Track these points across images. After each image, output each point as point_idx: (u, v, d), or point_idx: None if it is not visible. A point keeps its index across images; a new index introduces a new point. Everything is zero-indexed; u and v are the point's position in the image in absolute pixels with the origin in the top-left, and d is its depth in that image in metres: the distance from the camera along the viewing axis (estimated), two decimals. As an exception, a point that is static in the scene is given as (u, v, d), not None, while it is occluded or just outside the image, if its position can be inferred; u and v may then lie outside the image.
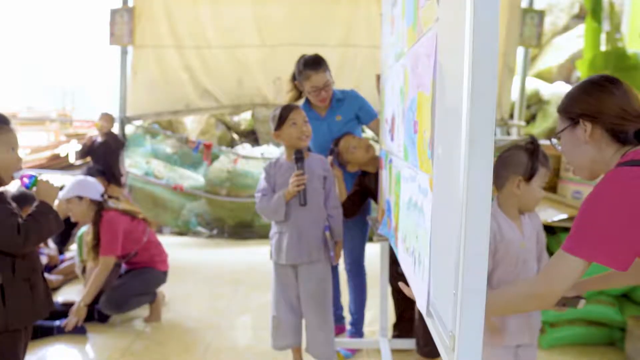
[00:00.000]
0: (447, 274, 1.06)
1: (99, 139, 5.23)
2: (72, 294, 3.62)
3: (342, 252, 2.48)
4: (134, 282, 3.12)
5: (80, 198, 3.02)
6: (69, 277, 3.91)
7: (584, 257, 1.11)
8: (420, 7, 1.41)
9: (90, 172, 4.42)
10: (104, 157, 5.07)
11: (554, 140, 1.31)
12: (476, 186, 0.92)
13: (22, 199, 3.07)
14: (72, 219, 3.09)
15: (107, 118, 5.20)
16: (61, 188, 2.64)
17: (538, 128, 7.21)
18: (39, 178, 1.86)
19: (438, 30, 1.18)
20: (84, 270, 3.74)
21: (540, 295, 1.15)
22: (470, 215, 0.92)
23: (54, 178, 6.00)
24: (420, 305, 1.33)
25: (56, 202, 1.89)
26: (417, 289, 1.40)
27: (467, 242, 0.93)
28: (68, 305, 3.14)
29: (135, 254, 3.17)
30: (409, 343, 2.65)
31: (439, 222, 1.18)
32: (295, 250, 2.29)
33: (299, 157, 2.23)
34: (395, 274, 2.60)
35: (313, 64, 2.58)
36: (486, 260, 0.94)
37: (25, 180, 1.83)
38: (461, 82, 0.94)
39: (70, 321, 2.87)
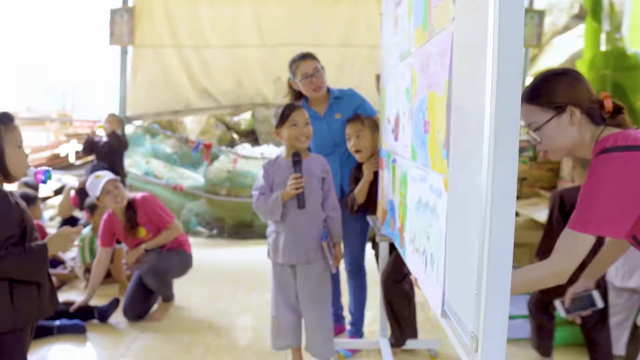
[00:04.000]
0: (465, 275, 1.05)
1: (104, 139, 5.24)
2: (72, 294, 3.62)
3: (342, 253, 2.47)
4: (172, 258, 3.24)
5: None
6: (65, 281, 3.89)
7: (593, 232, 1.28)
8: (432, 7, 1.39)
9: (95, 170, 4.43)
10: (108, 156, 5.08)
11: (531, 132, 1.43)
12: (502, 186, 0.90)
13: (24, 199, 3.07)
14: (116, 203, 3.13)
15: (112, 119, 5.21)
16: (61, 189, 2.65)
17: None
18: (60, 230, 1.84)
19: (454, 30, 1.17)
20: (86, 271, 3.75)
21: (559, 272, 1.30)
22: (495, 216, 0.91)
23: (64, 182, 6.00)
24: (434, 306, 1.33)
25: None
26: (430, 290, 1.39)
27: (492, 243, 0.91)
28: (68, 305, 3.14)
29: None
30: (412, 343, 2.66)
31: (456, 222, 1.17)
32: (292, 251, 2.28)
33: (296, 160, 2.22)
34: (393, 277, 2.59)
35: (301, 55, 2.65)
36: (511, 261, 0.92)
37: (40, 176, 1.84)
38: (484, 82, 0.92)
39: (130, 259, 3.15)
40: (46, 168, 1.88)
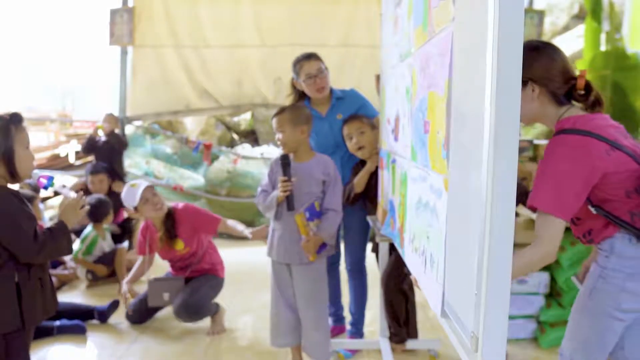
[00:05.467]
0: (465, 275, 1.05)
1: (103, 138, 5.25)
2: (72, 294, 3.62)
3: (316, 249, 2.35)
4: (204, 288, 3.02)
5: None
6: (65, 281, 3.88)
7: (549, 211, 1.32)
8: (432, 7, 1.40)
9: (95, 169, 4.43)
10: (107, 156, 5.09)
11: None
12: (501, 186, 0.91)
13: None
14: (156, 211, 2.94)
15: (110, 119, 5.21)
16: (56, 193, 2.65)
17: (537, 128, 7.21)
18: (66, 202, 1.88)
19: (454, 30, 1.17)
20: (88, 272, 3.76)
21: (544, 254, 1.34)
22: (495, 216, 0.91)
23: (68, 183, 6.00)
24: (434, 306, 1.33)
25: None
26: (430, 289, 1.39)
27: (492, 243, 0.92)
28: (69, 305, 3.13)
29: (198, 262, 3.10)
30: (412, 343, 2.66)
31: (456, 223, 1.17)
32: (285, 250, 2.30)
33: (284, 162, 2.23)
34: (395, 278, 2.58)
35: (305, 55, 2.65)
36: (511, 261, 0.93)
37: (43, 180, 1.87)
38: (483, 82, 0.92)
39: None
40: (50, 174, 1.90)
